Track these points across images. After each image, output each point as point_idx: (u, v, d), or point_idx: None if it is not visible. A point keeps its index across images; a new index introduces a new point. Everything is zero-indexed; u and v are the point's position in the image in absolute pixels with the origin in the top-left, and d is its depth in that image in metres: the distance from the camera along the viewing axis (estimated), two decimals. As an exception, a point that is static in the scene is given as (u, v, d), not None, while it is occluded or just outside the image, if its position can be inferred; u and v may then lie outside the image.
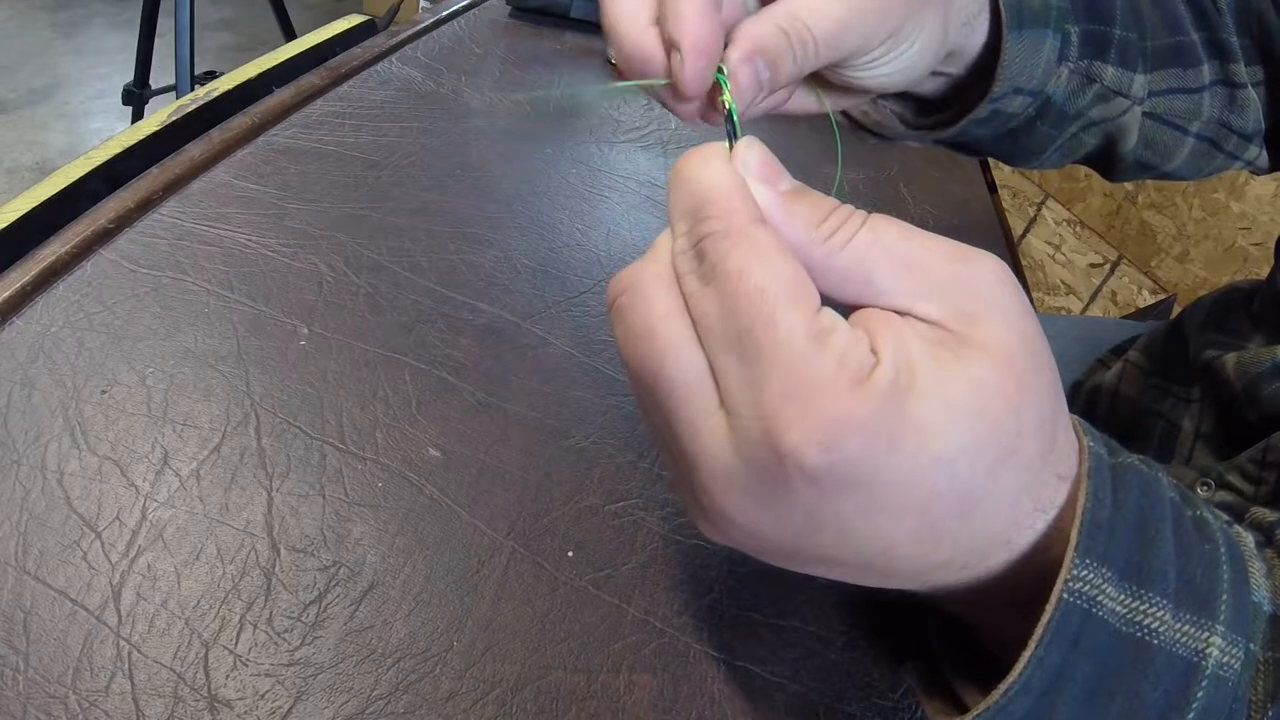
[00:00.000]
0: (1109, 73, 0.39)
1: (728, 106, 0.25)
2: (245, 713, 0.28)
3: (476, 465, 0.37)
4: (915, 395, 0.19)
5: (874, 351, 0.19)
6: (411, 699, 0.29)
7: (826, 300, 0.20)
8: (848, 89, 0.32)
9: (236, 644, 0.30)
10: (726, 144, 0.23)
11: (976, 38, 0.36)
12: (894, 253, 0.21)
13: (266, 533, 0.33)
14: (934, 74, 0.36)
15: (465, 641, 0.31)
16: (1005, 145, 0.41)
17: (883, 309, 0.21)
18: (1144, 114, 0.41)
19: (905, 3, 0.29)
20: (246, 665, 0.29)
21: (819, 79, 0.32)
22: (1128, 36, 0.40)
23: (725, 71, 0.26)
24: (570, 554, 0.35)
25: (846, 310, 0.21)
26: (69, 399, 0.36)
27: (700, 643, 0.33)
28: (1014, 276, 0.21)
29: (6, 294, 0.39)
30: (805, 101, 0.34)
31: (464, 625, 0.32)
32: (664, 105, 0.27)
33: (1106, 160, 0.44)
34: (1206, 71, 0.43)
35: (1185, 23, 0.43)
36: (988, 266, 0.21)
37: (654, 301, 0.21)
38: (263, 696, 0.29)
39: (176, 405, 0.37)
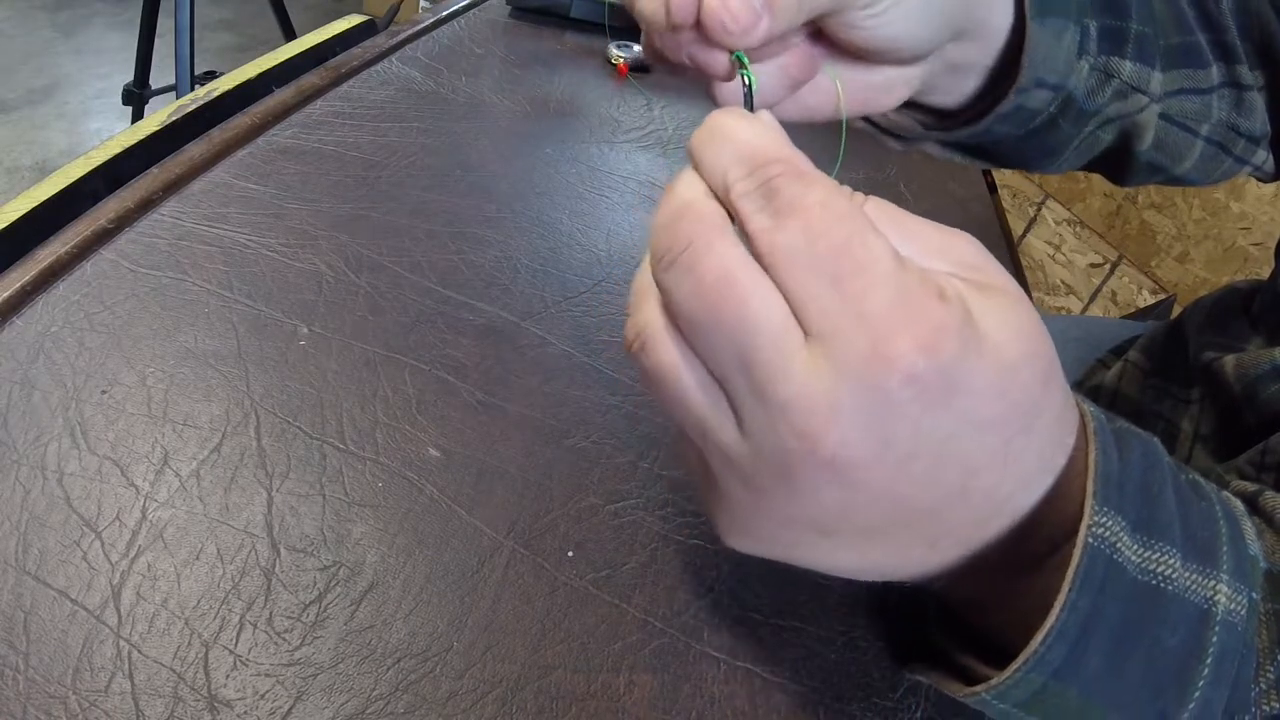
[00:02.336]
0: (1127, 68, 0.39)
1: (748, 82, 0.26)
2: (245, 713, 0.28)
3: (476, 465, 0.37)
4: (980, 314, 0.20)
5: (938, 279, 0.20)
6: (411, 699, 0.29)
7: None
8: (854, 50, 0.31)
9: (236, 644, 0.30)
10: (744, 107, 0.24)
11: (998, 14, 0.35)
12: (895, 222, 0.22)
13: (266, 533, 0.33)
14: (952, 69, 0.36)
15: (465, 641, 0.31)
16: (1026, 146, 0.40)
17: None
18: (1158, 115, 0.41)
19: None
20: (246, 665, 0.29)
21: (826, 42, 0.31)
22: (1144, 31, 0.39)
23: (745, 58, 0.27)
24: (570, 554, 0.35)
25: None
26: (69, 399, 0.36)
27: (700, 643, 0.33)
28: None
29: (6, 294, 0.39)
30: (820, 101, 0.33)
31: (464, 625, 0.32)
32: (662, 56, 0.28)
33: (1120, 160, 0.43)
34: (1215, 73, 0.42)
35: (1191, 23, 0.42)
36: (967, 238, 0.23)
37: (726, 246, 0.20)
38: (263, 696, 0.29)
39: (176, 405, 0.37)
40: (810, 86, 0.32)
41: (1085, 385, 0.64)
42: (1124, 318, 1.37)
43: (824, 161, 0.22)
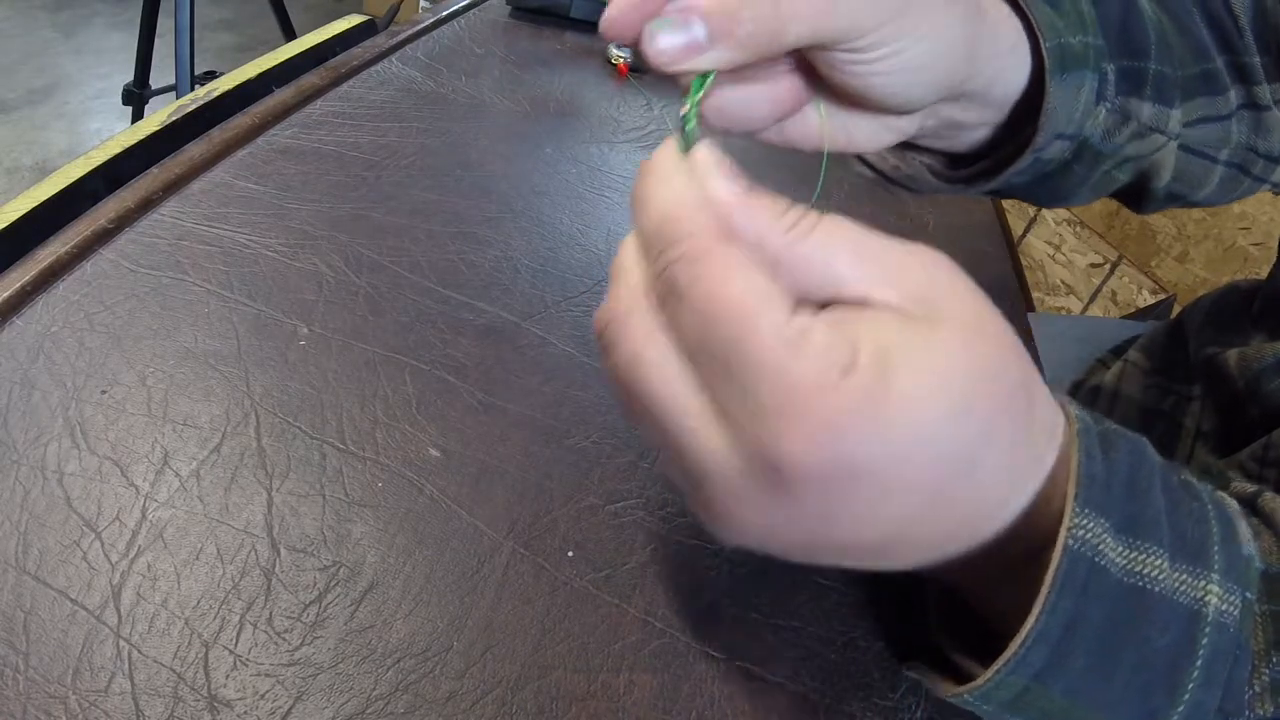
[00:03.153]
0: (1146, 110, 0.37)
1: (686, 111, 0.24)
2: (245, 713, 0.28)
3: (476, 465, 0.37)
4: (898, 373, 0.19)
5: (850, 341, 0.20)
6: (411, 699, 0.29)
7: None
8: (848, 92, 0.30)
9: (236, 644, 0.30)
10: (681, 146, 0.23)
11: (1015, 76, 0.33)
12: (850, 244, 0.21)
13: (266, 533, 0.33)
14: (951, 126, 0.34)
15: (465, 641, 0.31)
16: (1037, 189, 0.39)
17: (844, 302, 0.21)
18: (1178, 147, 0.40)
19: None
20: (246, 665, 0.29)
21: (817, 80, 0.30)
22: (1162, 71, 0.38)
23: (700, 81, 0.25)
24: (570, 554, 0.35)
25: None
26: (69, 399, 0.36)
27: (700, 643, 0.33)
28: (955, 263, 0.23)
29: (6, 294, 0.39)
30: (803, 133, 0.32)
31: (464, 625, 0.32)
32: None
33: (1137, 195, 0.42)
34: (1233, 97, 0.41)
35: (1210, 49, 0.41)
36: (930, 254, 0.22)
37: (636, 328, 0.21)
38: (263, 696, 0.29)
39: (176, 405, 0.37)
40: (798, 118, 0.31)
41: (1085, 385, 0.64)
42: (1124, 318, 1.37)
43: (809, 177, 0.22)
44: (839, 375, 0.19)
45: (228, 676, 0.29)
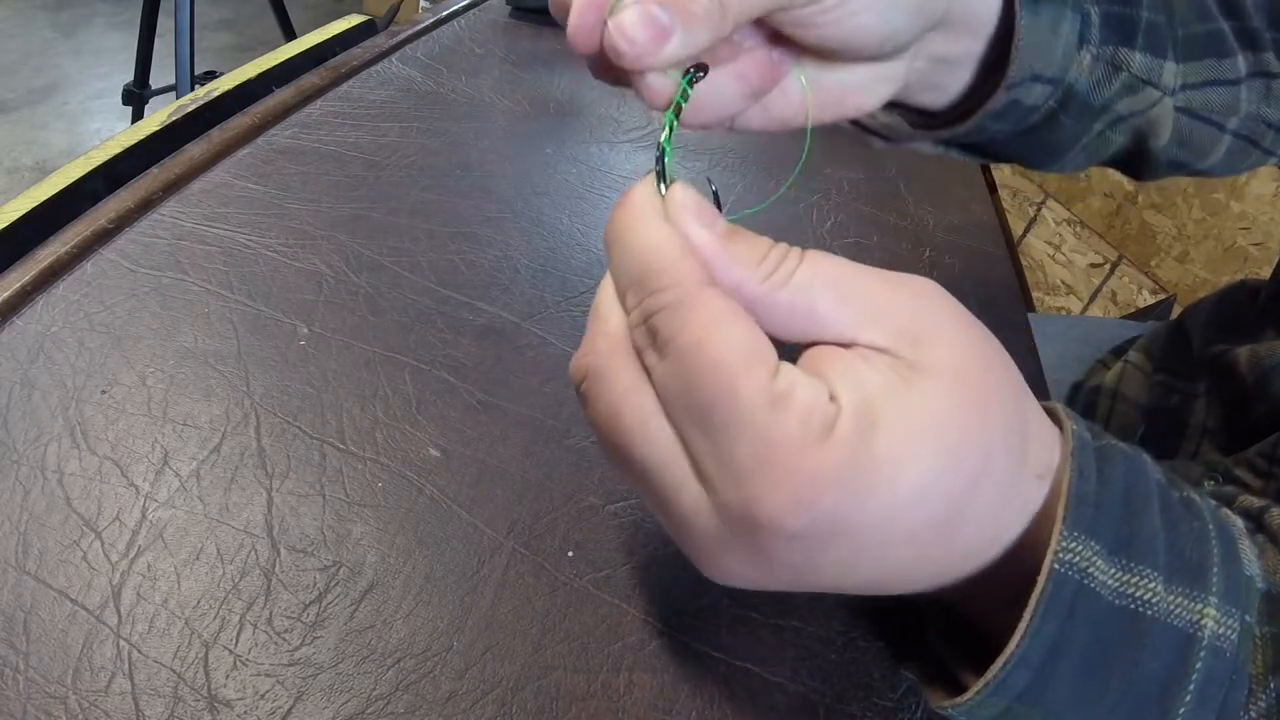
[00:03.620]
0: (1137, 59, 0.35)
1: (661, 152, 0.23)
2: (245, 713, 0.28)
3: (476, 465, 0.37)
4: (879, 433, 0.19)
5: (833, 398, 0.19)
6: (411, 699, 0.29)
7: (775, 341, 0.20)
8: (819, 49, 0.27)
9: (236, 644, 0.30)
10: (655, 184, 0.22)
11: (983, 5, 0.32)
12: (833, 283, 0.21)
13: (266, 533, 0.33)
14: (939, 63, 0.32)
15: (465, 641, 0.31)
16: (1025, 144, 0.37)
17: (830, 344, 0.21)
18: (1178, 109, 0.38)
19: None
20: (246, 665, 0.29)
21: (789, 42, 0.27)
22: (1155, 20, 0.36)
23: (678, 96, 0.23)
24: (570, 554, 0.35)
25: (796, 350, 0.21)
26: (69, 399, 0.36)
27: (700, 643, 0.33)
28: (948, 293, 0.22)
29: (6, 294, 0.39)
30: (790, 109, 0.30)
31: (464, 625, 0.32)
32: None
33: (1137, 160, 0.41)
34: (1241, 63, 0.39)
35: (1213, 9, 0.40)
36: (920, 287, 0.21)
37: (615, 380, 0.21)
38: (263, 696, 0.29)
39: (176, 405, 0.37)
40: (778, 92, 0.29)
41: (1085, 386, 0.64)
42: (1124, 318, 1.37)
43: (793, 160, 0.22)
44: (820, 437, 0.19)
45: (228, 676, 0.29)
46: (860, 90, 0.31)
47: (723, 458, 0.19)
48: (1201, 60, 0.38)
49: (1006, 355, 0.22)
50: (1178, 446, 0.52)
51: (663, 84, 0.24)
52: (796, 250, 0.21)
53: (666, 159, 0.22)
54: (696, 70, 0.24)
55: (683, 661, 0.32)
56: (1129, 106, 0.37)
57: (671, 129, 0.23)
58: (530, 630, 0.32)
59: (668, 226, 0.21)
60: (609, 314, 0.22)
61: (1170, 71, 0.37)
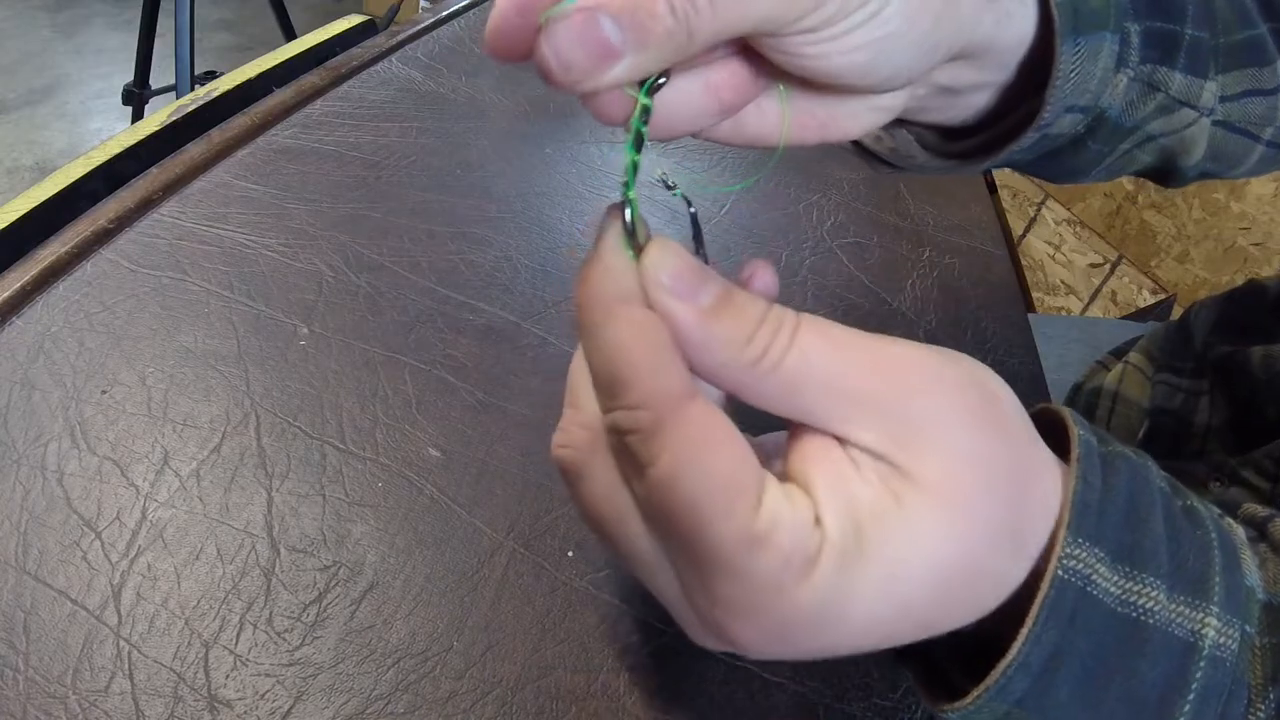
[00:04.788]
0: (1176, 80, 0.32)
1: (628, 205, 0.19)
2: (245, 713, 0.28)
3: (476, 465, 0.37)
4: (862, 566, 0.18)
5: (818, 519, 0.19)
6: (411, 699, 0.29)
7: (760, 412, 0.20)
8: (814, 78, 0.23)
9: (236, 644, 0.30)
10: (624, 243, 0.19)
11: (1013, 28, 0.27)
12: (826, 375, 0.19)
13: (266, 533, 0.33)
14: (945, 93, 0.28)
15: (465, 641, 0.31)
16: (1044, 167, 0.34)
17: (820, 432, 0.20)
18: (1215, 123, 0.35)
19: None
20: (246, 665, 0.29)
21: (770, 68, 0.23)
22: (1198, 36, 0.32)
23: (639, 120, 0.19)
24: (570, 554, 0.35)
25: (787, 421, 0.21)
26: (69, 399, 0.36)
27: (700, 643, 0.33)
28: (961, 363, 0.20)
29: (6, 294, 0.39)
30: (765, 127, 0.26)
31: (464, 625, 0.32)
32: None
33: (1163, 175, 0.38)
34: None
35: (1254, 13, 0.36)
36: (922, 374, 0.20)
37: (594, 481, 0.20)
38: (263, 696, 0.29)
39: (176, 405, 0.37)
40: (753, 107, 0.25)
41: (1085, 386, 0.64)
42: (1124, 318, 1.37)
43: (791, 157, 0.21)
44: (799, 576, 0.18)
45: (228, 676, 0.29)
46: (849, 117, 0.27)
47: (699, 582, 0.19)
48: (1243, 70, 0.35)
49: (1010, 419, 0.21)
50: (1184, 446, 0.52)
51: (613, 100, 0.20)
52: (789, 323, 0.19)
53: (632, 211, 0.19)
54: (658, 78, 0.20)
55: (683, 661, 0.32)
56: (1161, 127, 0.34)
57: (635, 167, 0.19)
58: (530, 630, 0.32)
59: (639, 316, 0.19)
60: (584, 400, 0.21)
61: (1210, 91, 0.34)
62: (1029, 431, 0.21)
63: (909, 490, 0.19)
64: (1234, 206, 1.27)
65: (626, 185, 0.19)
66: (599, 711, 0.30)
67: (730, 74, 0.23)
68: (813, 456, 0.20)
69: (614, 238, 0.19)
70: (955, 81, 0.28)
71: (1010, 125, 0.31)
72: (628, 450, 0.19)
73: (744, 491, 0.18)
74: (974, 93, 0.29)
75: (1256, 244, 1.26)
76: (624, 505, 0.20)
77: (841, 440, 0.19)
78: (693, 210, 0.22)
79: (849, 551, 0.18)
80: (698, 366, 0.19)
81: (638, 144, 0.20)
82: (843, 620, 0.19)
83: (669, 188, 0.21)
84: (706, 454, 0.18)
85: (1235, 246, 1.28)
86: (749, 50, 0.23)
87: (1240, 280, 0.63)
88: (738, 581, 0.18)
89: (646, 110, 0.20)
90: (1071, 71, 0.28)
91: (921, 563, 0.19)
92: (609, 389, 0.19)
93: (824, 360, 0.19)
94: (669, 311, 0.19)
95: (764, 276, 0.24)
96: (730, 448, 0.18)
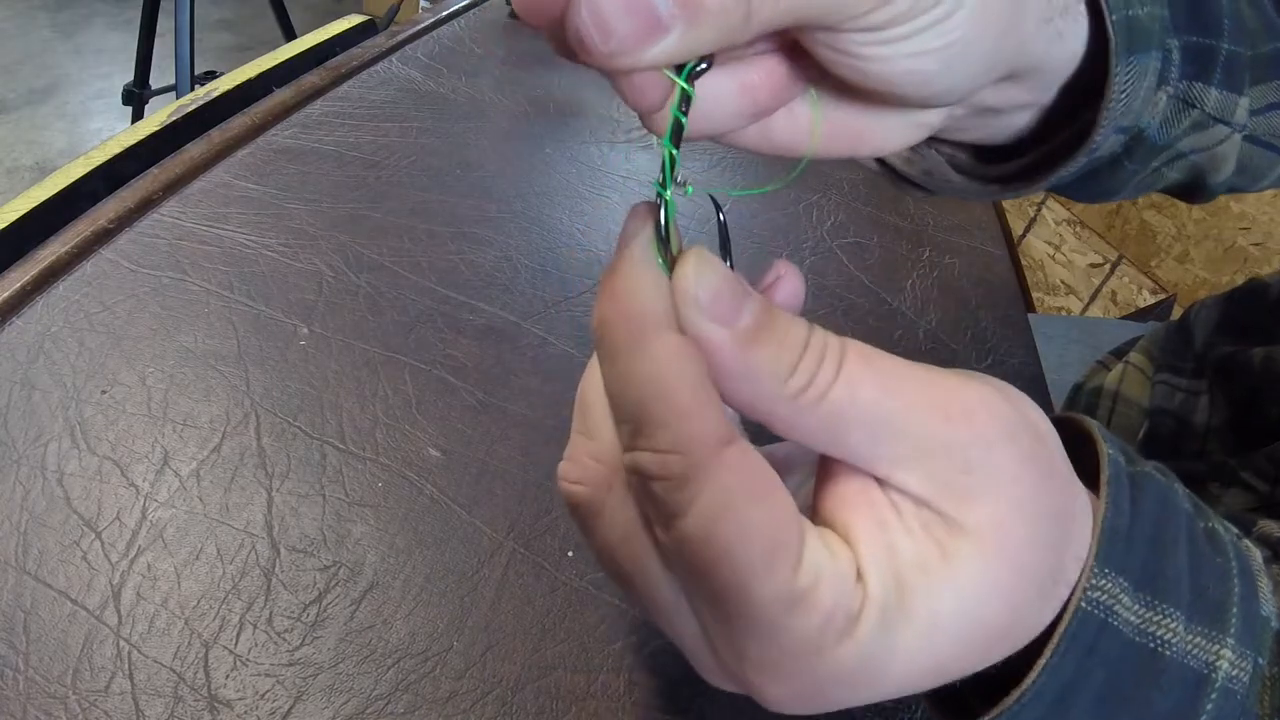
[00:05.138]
0: (1212, 96, 0.31)
1: (659, 193, 0.17)
2: (245, 713, 0.28)
3: (476, 465, 0.37)
4: (904, 627, 0.18)
5: (860, 575, 0.18)
6: (411, 699, 0.29)
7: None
8: (849, 84, 0.21)
9: (236, 644, 0.30)
10: (655, 250, 0.17)
11: (1064, 48, 0.26)
12: (874, 413, 0.17)
13: (266, 533, 0.33)
14: (984, 113, 0.27)
15: (465, 641, 0.31)
16: (1081, 189, 0.33)
17: (858, 471, 0.19)
18: (1244, 138, 0.34)
19: None
20: (246, 665, 0.29)
21: (806, 61, 0.21)
22: (1235, 50, 0.31)
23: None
24: (570, 554, 0.35)
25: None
26: (69, 399, 0.36)
27: (700, 643, 0.33)
28: (1010, 397, 0.19)
29: (6, 294, 0.39)
30: (794, 136, 0.24)
31: (464, 625, 0.32)
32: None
33: (1190, 191, 0.37)
34: None
35: (1277, 22, 0.35)
36: (980, 417, 0.18)
37: (610, 522, 0.19)
38: (263, 696, 0.29)
39: (176, 405, 0.37)
40: (784, 113, 0.24)
41: (1086, 387, 0.64)
42: (1124, 318, 1.37)
43: (816, 163, 0.21)
44: (840, 636, 0.17)
45: (228, 676, 0.29)
46: (885, 131, 0.25)
47: (728, 640, 0.18)
48: (1269, 83, 0.34)
49: (1056, 468, 0.19)
50: (1182, 446, 0.52)
51: (651, 83, 0.18)
52: (834, 351, 0.17)
53: (667, 215, 0.17)
54: (699, 64, 0.18)
55: (683, 661, 0.32)
56: (1192, 144, 0.32)
57: (673, 162, 0.17)
58: (530, 630, 0.32)
59: (676, 347, 0.16)
60: (597, 427, 0.19)
61: (1243, 107, 0.33)
62: (1069, 469, 0.20)
63: (954, 541, 0.18)
64: (1234, 206, 1.27)
65: (662, 184, 0.17)
66: (599, 711, 0.30)
67: (767, 74, 0.22)
68: (852, 501, 0.18)
69: (644, 246, 0.17)
70: (999, 101, 0.27)
71: (1056, 147, 0.29)
72: (652, 496, 0.17)
73: (785, 548, 0.17)
74: (1016, 113, 0.28)
75: (1256, 244, 1.26)
76: (642, 549, 0.18)
77: (881, 481, 0.18)
78: (723, 216, 0.19)
79: (890, 608, 0.17)
80: (730, 396, 0.17)
81: (676, 137, 0.17)
82: (881, 678, 0.18)
83: (681, 186, 0.19)
84: (745, 507, 0.16)
85: (1235, 246, 1.28)
86: (789, 49, 0.21)
87: (1240, 280, 0.63)
88: (774, 642, 0.17)
89: (688, 98, 0.17)
90: (1123, 92, 0.26)
91: (965, 617, 0.18)
92: (635, 426, 0.17)
93: (872, 396, 0.17)
94: (704, 337, 0.17)
95: (790, 283, 0.22)
96: (772, 498, 0.17)
